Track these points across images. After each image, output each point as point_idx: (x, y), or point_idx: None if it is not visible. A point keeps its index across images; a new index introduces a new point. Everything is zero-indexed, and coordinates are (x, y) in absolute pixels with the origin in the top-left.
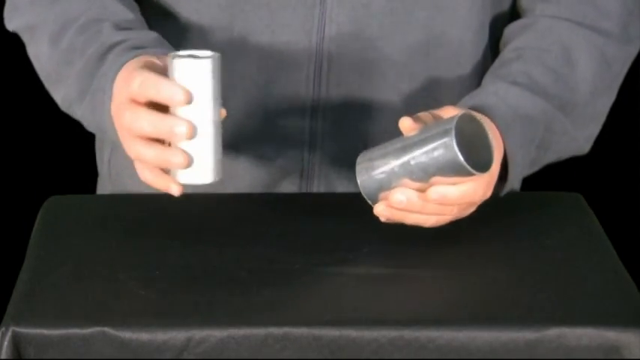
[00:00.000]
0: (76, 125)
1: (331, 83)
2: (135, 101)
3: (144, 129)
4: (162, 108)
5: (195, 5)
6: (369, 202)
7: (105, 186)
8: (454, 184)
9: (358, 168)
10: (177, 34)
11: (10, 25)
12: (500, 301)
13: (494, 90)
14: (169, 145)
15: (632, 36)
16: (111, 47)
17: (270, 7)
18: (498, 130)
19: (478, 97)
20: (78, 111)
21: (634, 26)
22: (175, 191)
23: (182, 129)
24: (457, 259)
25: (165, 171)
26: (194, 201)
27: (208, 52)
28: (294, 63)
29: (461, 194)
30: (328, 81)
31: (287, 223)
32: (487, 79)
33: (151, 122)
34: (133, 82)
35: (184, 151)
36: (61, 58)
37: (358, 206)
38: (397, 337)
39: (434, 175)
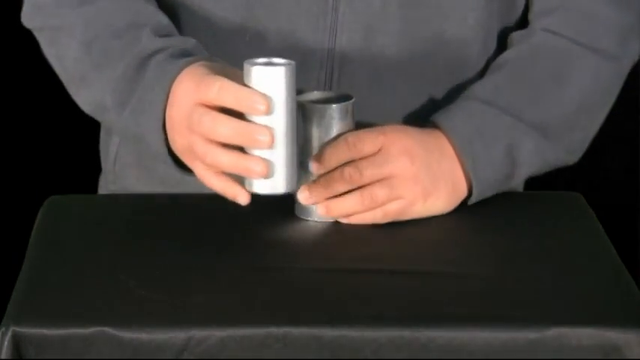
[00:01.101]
0: (76, 124)
1: (342, 88)
2: (209, 107)
3: (225, 134)
4: (233, 114)
5: (210, 7)
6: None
7: (108, 183)
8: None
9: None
10: (190, 36)
11: (30, 23)
12: (501, 301)
13: (461, 106)
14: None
15: (629, 51)
16: (151, 55)
17: (283, 12)
18: (456, 148)
19: (445, 114)
20: (114, 120)
21: (631, 42)
22: (243, 200)
23: (265, 137)
24: (457, 259)
25: (234, 178)
26: (194, 201)
27: (282, 60)
28: (306, 67)
29: (345, 144)
30: (339, 86)
31: (288, 223)
32: (468, 90)
33: (233, 128)
34: (209, 88)
35: (264, 160)
36: (92, 62)
37: None
38: (397, 337)
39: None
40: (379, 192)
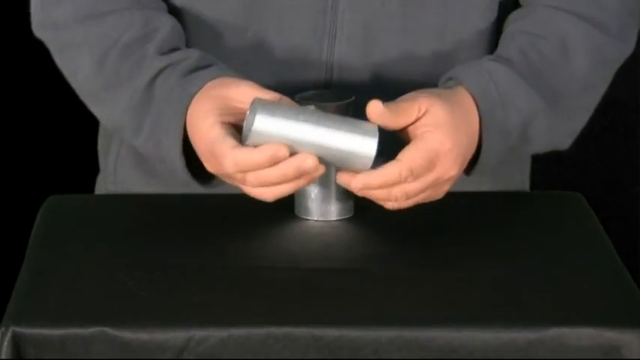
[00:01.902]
0: (76, 124)
1: (342, 86)
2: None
3: (275, 181)
4: None
5: (211, 7)
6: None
7: (107, 183)
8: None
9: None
10: (191, 35)
11: (40, 34)
12: (500, 301)
13: (488, 68)
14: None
15: (629, 36)
16: (157, 75)
17: (283, 11)
18: (478, 112)
19: (469, 73)
20: (133, 142)
21: (631, 26)
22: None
23: (309, 161)
24: (457, 259)
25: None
26: (194, 201)
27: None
28: (306, 67)
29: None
30: (339, 84)
31: (287, 223)
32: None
33: (279, 173)
34: (223, 162)
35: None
36: (104, 81)
37: (359, 207)
38: (397, 337)
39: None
40: (419, 199)
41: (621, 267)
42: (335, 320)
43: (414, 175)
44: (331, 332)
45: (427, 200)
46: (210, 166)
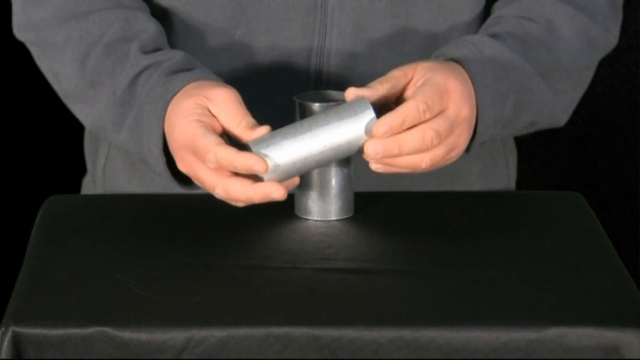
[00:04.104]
0: (75, 125)
1: (332, 87)
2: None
3: (239, 201)
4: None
5: (198, 7)
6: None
7: (96, 185)
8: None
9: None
10: (178, 35)
11: (21, 36)
12: (500, 301)
13: (472, 40)
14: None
15: (612, 28)
16: (140, 73)
17: (272, 11)
18: (470, 80)
19: (455, 47)
20: (115, 140)
21: (614, 19)
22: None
23: (276, 194)
24: (457, 259)
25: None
26: (194, 201)
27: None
28: (296, 66)
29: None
30: (329, 85)
31: (287, 222)
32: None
33: (245, 197)
34: (205, 156)
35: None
36: (86, 79)
37: (358, 206)
38: (397, 337)
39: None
40: (447, 149)
41: (621, 267)
42: (335, 320)
43: (430, 108)
44: (331, 332)
45: (454, 153)
46: (183, 165)
